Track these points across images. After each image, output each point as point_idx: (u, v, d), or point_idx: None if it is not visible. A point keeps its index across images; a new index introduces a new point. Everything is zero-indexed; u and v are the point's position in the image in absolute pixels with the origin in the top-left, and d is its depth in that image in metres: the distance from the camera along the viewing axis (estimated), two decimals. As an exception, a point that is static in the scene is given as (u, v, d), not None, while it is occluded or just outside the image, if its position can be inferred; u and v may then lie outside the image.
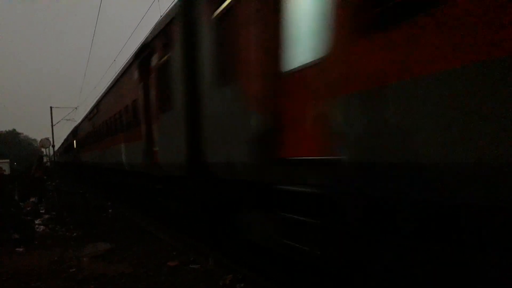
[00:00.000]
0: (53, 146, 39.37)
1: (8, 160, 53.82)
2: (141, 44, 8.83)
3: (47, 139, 37.03)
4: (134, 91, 9.69)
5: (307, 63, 3.66)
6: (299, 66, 3.78)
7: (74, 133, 30.17)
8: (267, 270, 5.28)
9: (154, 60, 7.96)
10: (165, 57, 7.16)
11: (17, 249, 7.56)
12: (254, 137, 4.38)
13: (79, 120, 27.64)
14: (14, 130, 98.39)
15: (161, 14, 7.89)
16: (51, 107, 39.05)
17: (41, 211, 12.55)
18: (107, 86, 14.91)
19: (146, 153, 8.74)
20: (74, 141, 29.68)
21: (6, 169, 36.39)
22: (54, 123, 38.57)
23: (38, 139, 43.88)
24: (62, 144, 43.89)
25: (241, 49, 4.58)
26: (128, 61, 10.44)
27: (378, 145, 2.88)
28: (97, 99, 18.19)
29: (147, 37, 8.45)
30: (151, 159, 8.41)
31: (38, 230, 9.46)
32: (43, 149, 38.17)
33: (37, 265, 6.29)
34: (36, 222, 10.58)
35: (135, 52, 9.42)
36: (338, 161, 3.21)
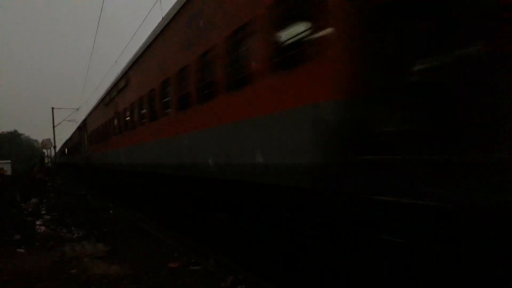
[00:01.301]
0: (54, 147, 39.40)
1: (9, 161, 53.85)
2: (79, 124, 28.79)
3: (49, 140, 37.02)
4: (78, 137, 28.57)
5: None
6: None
7: (65, 145, 49.76)
8: (268, 271, 5.28)
9: (81, 130, 26.30)
10: (82, 131, 25.57)
11: (18, 249, 7.56)
12: (86, 157, 23.90)
13: (76, 126, 41.30)
14: (15, 131, 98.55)
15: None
16: (52, 108, 39.12)
17: (42, 212, 12.56)
18: (74, 131, 35.44)
19: (82, 158, 25.73)
20: (66, 149, 49.40)
21: (8, 170, 36.42)
22: (55, 124, 38.63)
23: (40, 140, 44.43)
24: (60, 148, 55.31)
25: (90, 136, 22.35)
26: (77, 128, 31.70)
27: None
28: (70, 134, 39.67)
29: (80, 123, 28.04)
30: (82, 160, 26.12)
31: (39, 230, 9.46)
32: (44, 150, 38.17)
33: (38, 266, 6.29)
34: (37, 222, 10.58)
35: (78, 126, 29.50)
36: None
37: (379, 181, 3.13)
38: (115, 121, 13.50)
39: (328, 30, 3.56)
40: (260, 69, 4.66)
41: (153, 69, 9.12)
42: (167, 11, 7.91)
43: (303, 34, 3.92)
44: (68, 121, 41.08)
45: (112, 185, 16.87)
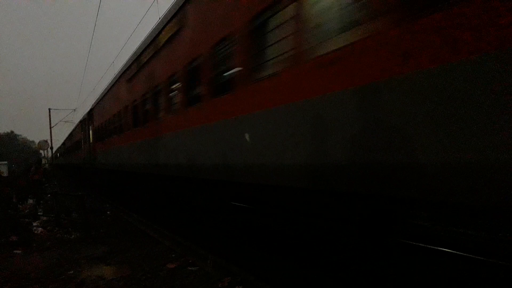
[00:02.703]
0: (51, 148, 39.33)
1: (6, 162, 53.73)
2: (63, 142, 55.52)
3: (45, 141, 36.92)
4: (64, 148, 52.27)
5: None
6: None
7: (58, 150, 64.78)
8: (266, 272, 5.28)
9: (64, 145, 49.84)
10: (65, 145, 48.41)
11: (14, 251, 7.54)
12: (66, 158, 47.39)
13: (72, 126, 55.36)
14: (12, 132, 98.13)
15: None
16: (49, 109, 39.06)
17: (39, 213, 12.51)
18: (61, 143, 60.44)
19: (65, 160, 48.04)
20: (58, 153, 65.29)
21: (4, 171, 36.31)
22: (52, 125, 38.59)
23: (37, 141, 44.59)
24: (55, 152, 68.21)
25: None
26: (62, 143, 58.80)
27: None
28: (66, 137, 51.30)
29: (63, 141, 53.96)
30: (64, 161, 49.97)
31: (36, 232, 9.44)
32: (41, 151, 38.09)
33: (35, 268, 6.28)
34: (34, 224, 10.55)
35: (63, 142, 55.55)
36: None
37: None
38: (69, 147, 34.42)
39: None
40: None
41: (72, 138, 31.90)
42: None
43: None
44: (65, 122, 41.05)
45: (109, 186, 16.86)
